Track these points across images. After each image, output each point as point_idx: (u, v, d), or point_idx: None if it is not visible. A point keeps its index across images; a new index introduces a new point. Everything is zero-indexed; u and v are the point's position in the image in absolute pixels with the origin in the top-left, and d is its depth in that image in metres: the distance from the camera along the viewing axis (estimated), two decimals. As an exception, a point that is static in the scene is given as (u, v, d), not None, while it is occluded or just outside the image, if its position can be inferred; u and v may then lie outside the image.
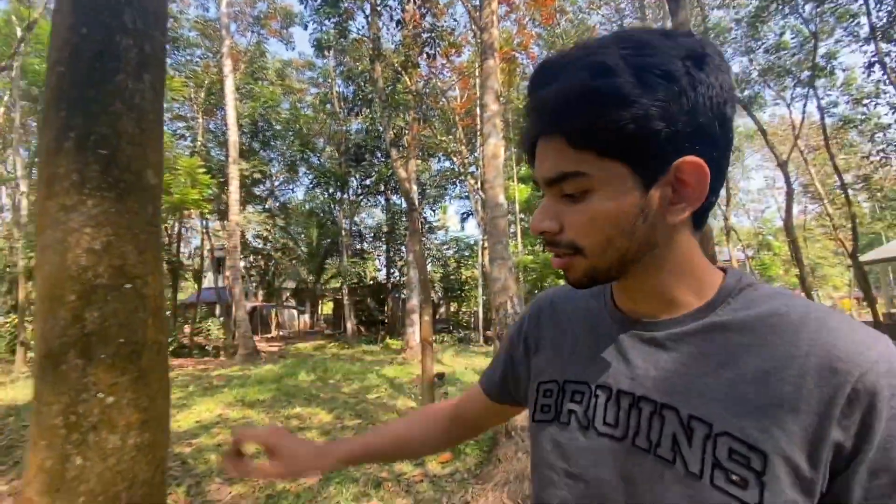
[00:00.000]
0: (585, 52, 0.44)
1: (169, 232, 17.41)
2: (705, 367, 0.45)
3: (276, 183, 23.10)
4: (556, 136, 0.45)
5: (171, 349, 14.07)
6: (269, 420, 5.60)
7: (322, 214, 21.56)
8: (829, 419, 0.39)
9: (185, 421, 5.58)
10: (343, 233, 18.87)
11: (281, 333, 24.06)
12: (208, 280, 22.17)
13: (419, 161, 16.63)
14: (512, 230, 17.32)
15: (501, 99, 8.10)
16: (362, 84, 16.96)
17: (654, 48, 0.42)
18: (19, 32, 10.51)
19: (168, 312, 17.10)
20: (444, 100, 13.46)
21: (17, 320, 11.15)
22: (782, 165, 11.97)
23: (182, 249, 20.20)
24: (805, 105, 14.23)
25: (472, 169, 14.69)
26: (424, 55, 9.17)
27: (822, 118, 11.89)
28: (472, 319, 20.67)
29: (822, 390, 0.40)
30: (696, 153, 0.43)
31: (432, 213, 21.82)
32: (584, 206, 0.46)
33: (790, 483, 0.39)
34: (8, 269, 13.93)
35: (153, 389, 0.69)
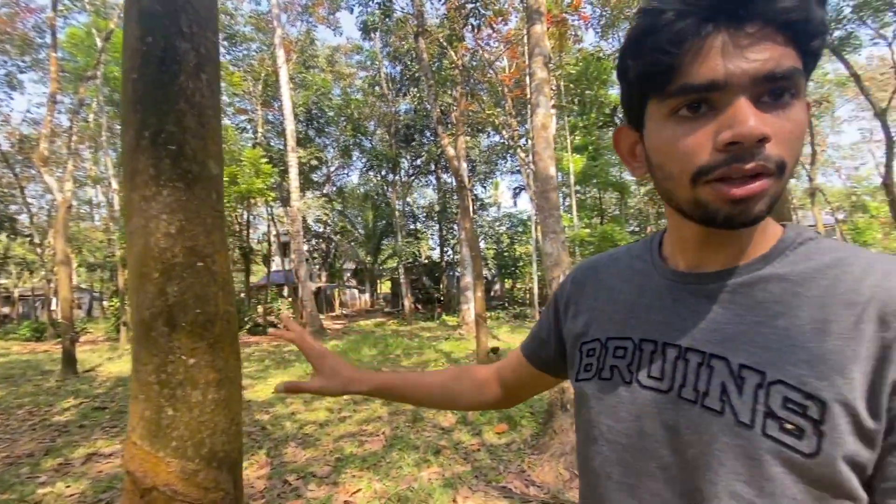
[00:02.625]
0: None
1: (239, 220, 18.71)
2: (759, 317, 0.44)
3: (332, 168, 23.93)
4: (771, 28, 0.39)
5: (246, 328, 15.33)
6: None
7: (376, 197, 22.11)
8: (888, 362, 0.38)
9: (262, 392, 6.12)
10: (397, 214, 19.27)
11: (343, 312, 25.32)
12: (276, 263, 23.65)
13: (468, 137, 16.48)
14: (566, 203, 16.80)
15: (551, 65, 7.78)
16: (409, 63, 16.96)
17: None
18: (99, 43, 11.55)
19: (242, 294, 18.60)
20: (491, 72, 13.12)
21: (118, 303, 12.66)
22: (881, 114, 10.55)
23: (251, 235, 21.66)
24: (910, 42, 12.33)
25: (523, 142, 14.33)
26: (469, 27, 8.96)
27: (932, 56, 10.27)
28: (528, 295, 20.50)
29: (883, 336, 0.38)
30: None
31: (483, 190, 21.69)
32: (791, 114, 0.40)
33: (851, 432, 0.38)
34: (107, 259, 15.75)
35: (226, 353, 0.79)
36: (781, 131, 0.40)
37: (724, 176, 0.41)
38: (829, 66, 18.58)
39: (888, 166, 10.36)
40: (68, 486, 3.18)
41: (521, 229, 21.26)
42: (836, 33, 12.50)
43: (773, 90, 0.40)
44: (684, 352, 0.47)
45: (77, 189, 16.88)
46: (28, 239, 20.00)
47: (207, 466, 0.73)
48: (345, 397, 5.65)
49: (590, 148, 17.00)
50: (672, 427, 0.46)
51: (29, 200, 18.65)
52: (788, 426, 0.39)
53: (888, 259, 0.42)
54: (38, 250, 18.60)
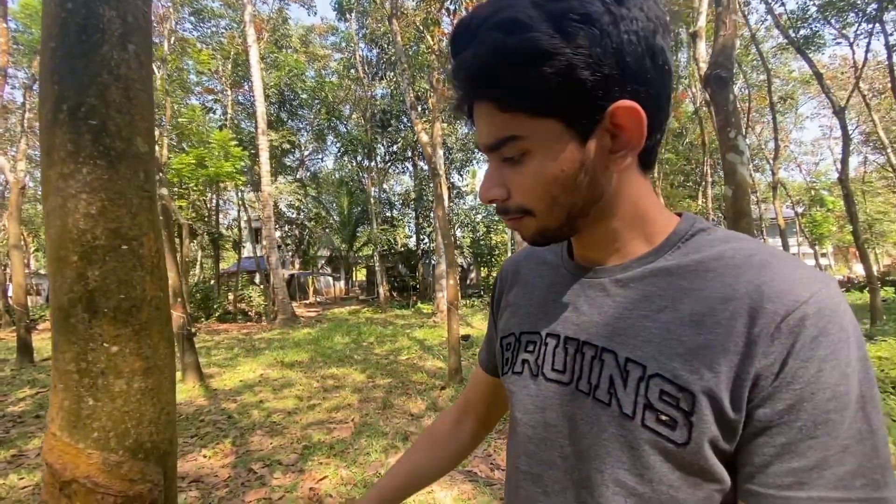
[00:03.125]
0: (496, 7, 0.40)
1: (207, 205, 18.12)
2: (646, 310, 0.46)
3: (306, 153, 23.38)
4: (484, 101, 0.44)
5: (216, 315, 14.96)
6: (306, 379, 5.93)
7: (351, 183, 21.77)
8: (751, 357, 0.39)
9: (230, 380, 6.01)
10: (372, 201, 19.05)
11: (318, 300, 25.01)
12: (247, 250, 23.09)
13: (445, 124, 16.34)
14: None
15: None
16: (385, 46, 16.59)
17: None
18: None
19: (212, 281, 18.10)
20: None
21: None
22: (839, 112, 10.99)
23: (221, 221, 21.03)
24: (869, 43, 12.80)
25: (500, 130, 14.29)
26: (446, 11, 8.82)
27: (890, 57, 10.71)
28: (503, 283, 20.64)
29: (751, 330, 0.39)
30: (629, 95, 0.41)
31: (460, 178, 21.63)
32: (526, 169, 0.44)
33: (715, 422, 0.40)
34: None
35: (155, 340, 0.76)
36: (520, 184, 0.45)
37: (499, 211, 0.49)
38: (794, 64, 19.19)
39: (844, 162, 10.83)
40: (21, 478, 3.07)
41: (497, 218, 21.37)
42: (801, 32, 12.91)
43: (503, 156, 0.45)
44: (581, 345, 0.49)
45: (32, 169, 15.95)
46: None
47: (132, 458, 0.70)
48: (314, 385, 5.61)
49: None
50: (571, 418, 0.48)
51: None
52: (663, 417, 0.41)
53: (768, 252, 0.43)
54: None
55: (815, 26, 14.11)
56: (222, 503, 2.67)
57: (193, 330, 6.67)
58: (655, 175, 15.48)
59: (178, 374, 5.84)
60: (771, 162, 16.73)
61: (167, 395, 0.77)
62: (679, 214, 0.51)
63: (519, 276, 0.63)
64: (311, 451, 3.45)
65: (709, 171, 15.84)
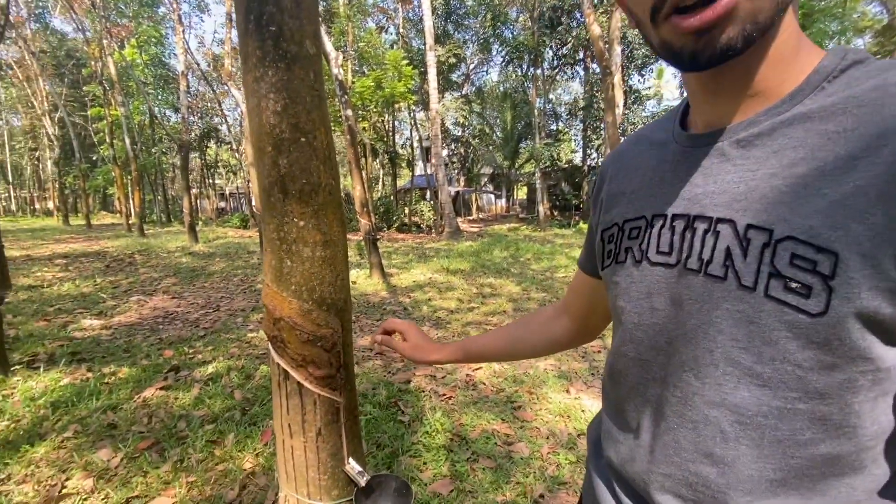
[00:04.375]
0: None
1: (386, 126, 19.87)
2: (773, 168, 0.37)
3: (471, 66, 23.12)
4: None
5: (395, 226, 17.06)
6: (467, 285, 6.48)
7: (515, 95, 20.99)
8: None
9: (405, 280, 6.95)
10: (536, 113, 18.17)
11: (480, 216, 26.15)
12: (419, 168, 25.00)
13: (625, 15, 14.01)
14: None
15: None
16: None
17: None
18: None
19: (391, 197, 20.42)
20: None
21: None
22: None
23: (396, 140, 22.98)
24: None
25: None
26: None
27: None
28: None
29: None
30: None
31: (641, 80, 18.76)
32: None
33: (870, 287, 0.32)
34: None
35: (330, 219, 0.91)
36: None
37: (677, 4, 0.35)
38: None
39: None
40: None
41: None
42: None
43: None
44: (692, 220, 0.43)
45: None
46: (229, 146, 24.51)
47: (318, 308, 0.90)
48: (473, 291, 6.11)
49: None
50: (677, 300, 0.43)
51: (226, 113, 22.46)
52: (794, 285, 0.35)
53: None
54: (237, 155, 22.76)
55: None
56: (399, 373, 3.25)
57: (378, 236, 7.80)
58: None
59: (366, 272, 7.02)
60: None
61: (341, 265, 0.94)
62: (827, 50, 0.39)
63: (622, 164, 0.57)
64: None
65: None
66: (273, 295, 0.89)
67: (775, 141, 0.38)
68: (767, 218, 0.37)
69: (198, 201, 28.60)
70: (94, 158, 24.86)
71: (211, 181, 30.64)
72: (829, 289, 0.33)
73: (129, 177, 17.00)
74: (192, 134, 20.88)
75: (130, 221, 16.73)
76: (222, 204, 33.83)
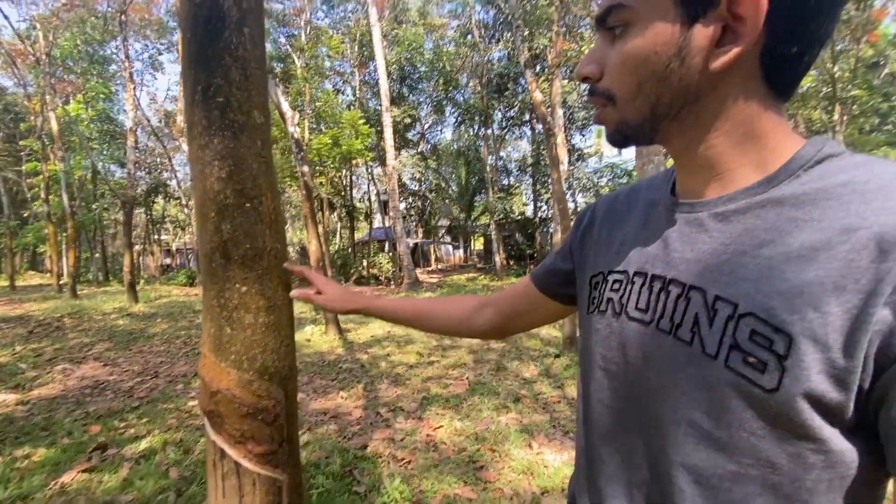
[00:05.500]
0: None
1: (343, 180, 20.05)
2: (745, 245, 0.40)
3: (426, 126, 24.20)
4: None
5: (353, 278, 16.78)
6: (426, 338, 6.38)
7: (469, 153, 22.01)
8: (877, 297, 0.32)
9: (363, 335, 6.76)
10: (488, 169, 19.05)
11: (438, 267, 26.31)
12: (377, 221, 25.13)
13: (565, 80, 15.34)
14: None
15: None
16: (501, 5, 16.02)
17: None
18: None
19: (349, 249, 20.24)
20: (594, 4, 11.86)
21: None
22: None
23: (354, 194, 23.17)
24: None
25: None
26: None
27: None
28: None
29: (879, 266, 0.33)
30: None
31: (582, 139, 20.30)
32: (622, 44, 0.42)
33: (819, 370, 0.34)
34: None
35: (275, 284, 0.90)
36: (612, 62, 0.43)
37: None
38: None
39: None
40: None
41: (624, 180, 19.69)
42: None
43: (608, 26, 0.43)
44: (668, 283, 0.46)
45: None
46: (178, 201, 23.72)
47: (260, 378, 0.86)
48: (433, 344, 6.02)
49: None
50: (649, 357, 0.46)
51: (176, 168, 21.93)
52: (751, 359, 0.37)
53: None
54: (186, 210, 22.02)
55: None
56: (356, 437, 3.07)
57: (333, 290, 7.64)
58: (837, 118, 12.56)
59: (322, 328, 6.77)
60: None
61: (286, 330, 0.91)
62: (808, 139, 0.43)
63: (614, 210, 0.60)
64: (429, 402, 3.74)
65: (918, 108, 12.31)
66: (211, 366, 0.84)
67: (749, 220, 0.41)
68: (734, 292, 0.39)
69: (140, 258, 27.05)
70: (26, 215, 23.23)
71: (156, 237, 29.25)
72: (783, 368, 0.36)
73: (63, 234, 15.93)
74: (139, 189, 20.16)
75: (62, 282, 15.48)
76: (168, 260, 32.16)
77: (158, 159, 23.16)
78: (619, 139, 0.47)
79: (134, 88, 13.10)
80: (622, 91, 0.43)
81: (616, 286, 0.52)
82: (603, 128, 0.47)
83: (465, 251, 30.41)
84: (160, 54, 19.83)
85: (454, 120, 22.47)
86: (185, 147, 10.07)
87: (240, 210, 0.85)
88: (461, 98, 21.36)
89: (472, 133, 21.17)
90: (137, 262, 23.69)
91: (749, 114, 0.41)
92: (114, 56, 16.90)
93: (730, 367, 0.38)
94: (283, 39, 17.15)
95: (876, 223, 0.34)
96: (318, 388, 4.25)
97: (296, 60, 14.42)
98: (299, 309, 9.50)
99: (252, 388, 0.84)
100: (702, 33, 0.38)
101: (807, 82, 15.07)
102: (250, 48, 0.91)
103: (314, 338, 6.49)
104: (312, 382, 4.42)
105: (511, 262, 20.37)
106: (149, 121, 17.43)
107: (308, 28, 15.98)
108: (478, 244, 30.13)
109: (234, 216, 0.85)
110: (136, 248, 21.91)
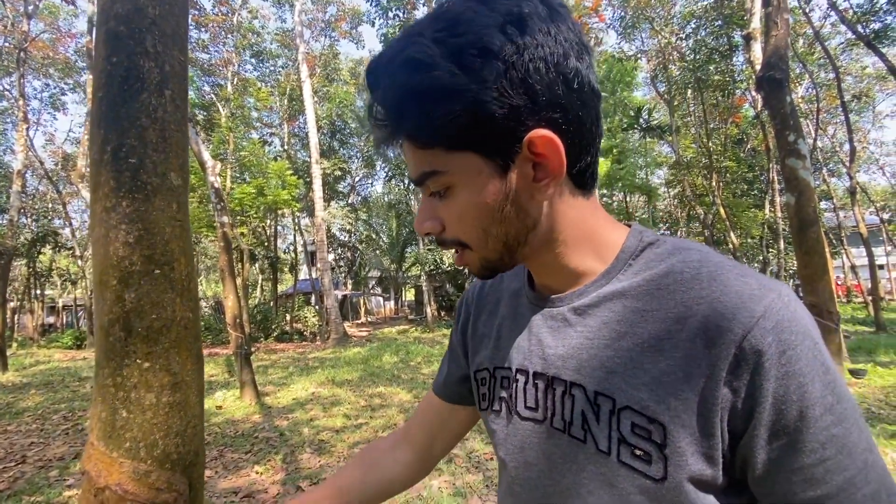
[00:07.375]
0: (401, 45, 0.40)
1: (267, 231, 19.24)
2: (605, 339, 0.44)
3: (357, 179, 24.36)
4: (403, 138, 0.43)
5: (275, 335, 15.68)
6: (354, 397, 6.04)
7: (399, 205, 22.36)
8: (716, 381, 0.37)
9: (284, 398, 6.23)
10: (418, 221, 19.38)
11: (369, 319, 25.58)
12: (303, 272, 24.14)
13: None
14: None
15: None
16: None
17: (466, 24, 0.37)
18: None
19: (271, 303, 19.05)
20: None
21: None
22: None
23: (279, 245, 22.22)
24: (956, 30, 11.57)
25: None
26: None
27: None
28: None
29: (710, 352, 0.37)
30: (544, 123, 0.39)
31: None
32: (452, 203, 0.44)
33: (693, 452, 0.37)
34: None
35: (183, 357, 0.82)
36: (450, 217, 0.45)
37: None
38: (867, 60, 17.63)
39: (935, 161, 9.71)
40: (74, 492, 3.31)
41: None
42: (873, 26, 11.91)
43: (430, 190, 0.45)
44: (551, 381, 0.47)
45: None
46: (70, 252, 21.12)
47: (160, 467, 0.76)
48: (361, 404, 5.70)
49: (615, 151, 16.71)
50: (549, 457, 0.46)
51: (71, 215, 19.71)
52: (638, 452, 0.39)
53: (715, 262, 0.41)
54: (80, 262, 19.63)
55: (887, 19, 12.95)
56: (271, 520, 2.75)
57: (252, 349, 7.04)
58: (714, 184, 14.62)
59: (237, 392, 6.16)
60: (847, 165, 15.33)
61: (194, 409, 0.83)
62: (629, 225, 0.49)
63: (485, 303, 0.61)
64: (356, 471, 3.48)
65: (775, 177, 14.78)
66: (99, 457, 0.72)
67: (603, 313, 0.44)
68: (609, 387, 0.42)
69: (17, 316, 23.21)
70: None
71: (39, 292, 25.46)
72: (664, 457, 0.38)
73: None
74: (21, 238, 17.69)
75: None
76: (52, 319, 27.86)
77: (50, 205, 20.70)
78: (487, 274, 0.48)
79: (27, 129, 11.86)
80: (472, 239, 0.45)
81: (505, 383, 0.52)
82: None
83: (396, 302, 30.00)
84: (63, 94, 18.35)
85: (385, 174, 22.91)
86: (84, 194, 9.15)
87: (147, 277, 0.78)
88: (392, 154, 21.92)
89: (402, 187, 21.64)
90: (11, 322, 20.29)
91: (578, 218, 0.45)
92: (6, 92, 15.32)
93: (622, 462, 0.40)
94: (207, 88, 16.74)
95: (699, 313, 0.38)
96: (228, 464, 3.79)
97: (220, 109, 14.07)
98: (210, 370, 8.61)
99: (149, 481, 0.73)
100: (519, 176, 0.41)
101: (689, 153, 17.60)
102: (171, 110, 0.89)
103: (227, 403, 5.87)
104: (222, 457, 3.94)
105: (442, 314, 20.40)
106: (42, 163, 15.70)
107: (235, 79, 15.80)
108: (409, 295, 29.93)
109: (140, 284, 0.77)
110: (11, 304, 18.86)
